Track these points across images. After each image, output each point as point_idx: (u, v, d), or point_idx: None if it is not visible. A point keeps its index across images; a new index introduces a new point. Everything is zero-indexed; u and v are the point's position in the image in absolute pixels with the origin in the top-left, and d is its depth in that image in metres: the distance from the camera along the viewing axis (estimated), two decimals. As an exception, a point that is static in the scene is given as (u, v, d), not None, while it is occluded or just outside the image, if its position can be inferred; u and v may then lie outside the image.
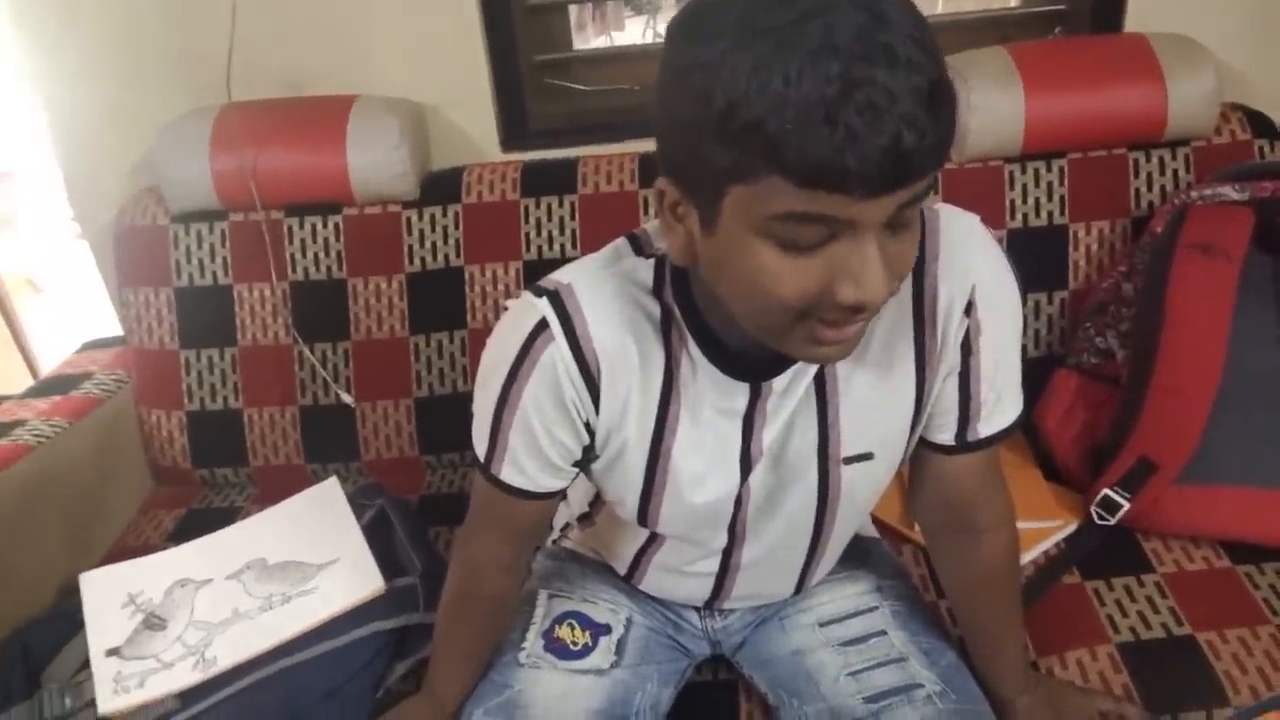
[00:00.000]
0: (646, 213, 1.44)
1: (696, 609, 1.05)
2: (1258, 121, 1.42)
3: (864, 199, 0.59)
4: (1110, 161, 1.41)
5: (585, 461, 0.86)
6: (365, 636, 1.09)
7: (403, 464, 1.50)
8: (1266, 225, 1.25)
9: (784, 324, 0.67)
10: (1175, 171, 1.41)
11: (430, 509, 1.40)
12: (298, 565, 1.18)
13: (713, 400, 0.81)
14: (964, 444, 0.88)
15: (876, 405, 0.84)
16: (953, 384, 0.85)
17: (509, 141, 1.58)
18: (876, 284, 0.63)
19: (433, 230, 1.47)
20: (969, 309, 0.81)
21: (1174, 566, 1.16)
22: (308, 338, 1.47)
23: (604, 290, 0.79)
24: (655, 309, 0.80)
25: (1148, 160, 1.41)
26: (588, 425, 0.82)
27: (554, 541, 1.14)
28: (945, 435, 0.88)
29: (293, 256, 1.47)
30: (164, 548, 1.30)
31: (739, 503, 0.88)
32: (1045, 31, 1.60)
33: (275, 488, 1.38)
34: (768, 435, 0.83)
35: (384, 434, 1.49)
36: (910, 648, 0.98)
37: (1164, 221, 1.32)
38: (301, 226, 1.47)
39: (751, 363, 0.79)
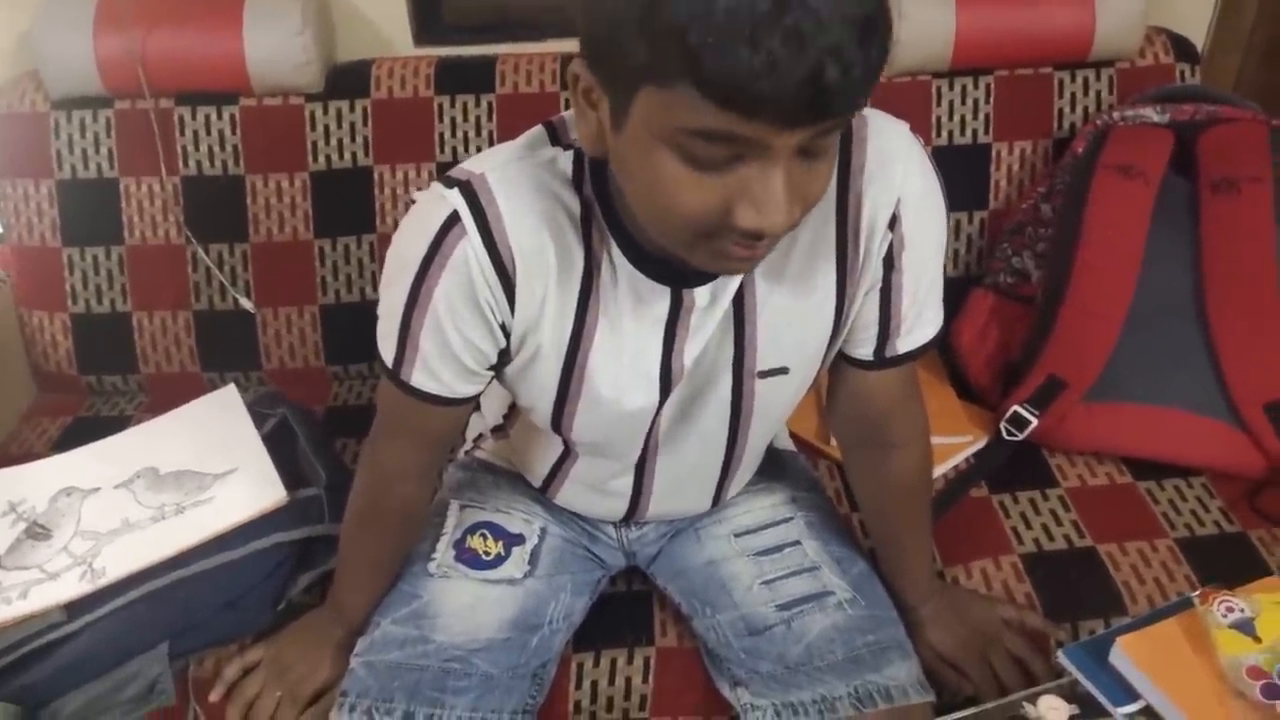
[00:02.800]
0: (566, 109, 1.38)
1: (613, 522, 1.03)
2: (1181, 45, 1.43)
3: (778, 128, 0.56)
4: (1036, 80, 1.41)
5: (499, 365, 0.82)
6: (266, 548, 1.05)
7: (307, 374, 1.43)
8: (1184, 148, 1.27)
9: (685, 238, 0.65)
10: (1099, 93, 1.41)
11: (336, 422, 1.34)
12: (193, 475, 1.12)
13: (633, 306, 0.78)
14: (882, 360, 0.87)
15: (794, 320, 0.81)
16: (873, 299, 0.83)
17: (422, 35, 1.49)
18: (778, 213, 0.60)
19: (339, 126, 1.38)
20: (894, 223, 0.78)
21: (1078, 481, 1.19)
22: (202, 238, 1.38)
23: (520, 182, 0.74)
24: (575, 204, 0.75)
25: (1072, 80, 1.41)
26: (503, 327, 0.77)
27: (466, 452, 1.11)
28: (864, 350, 0.87)
29: (185, 149, 1.37)
30: (48, 456, 1.22)
31: (655, 415, 0.85)
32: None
33: (168, 397, 1.31)
34: (690, 351, 0.80)
35: (287, 342, 1.42)
36: (823, 557, 0.98)
37: (1085, 142, 1.32)
38: (194, 117, 1.37)
39: (674, 269, 0.76)
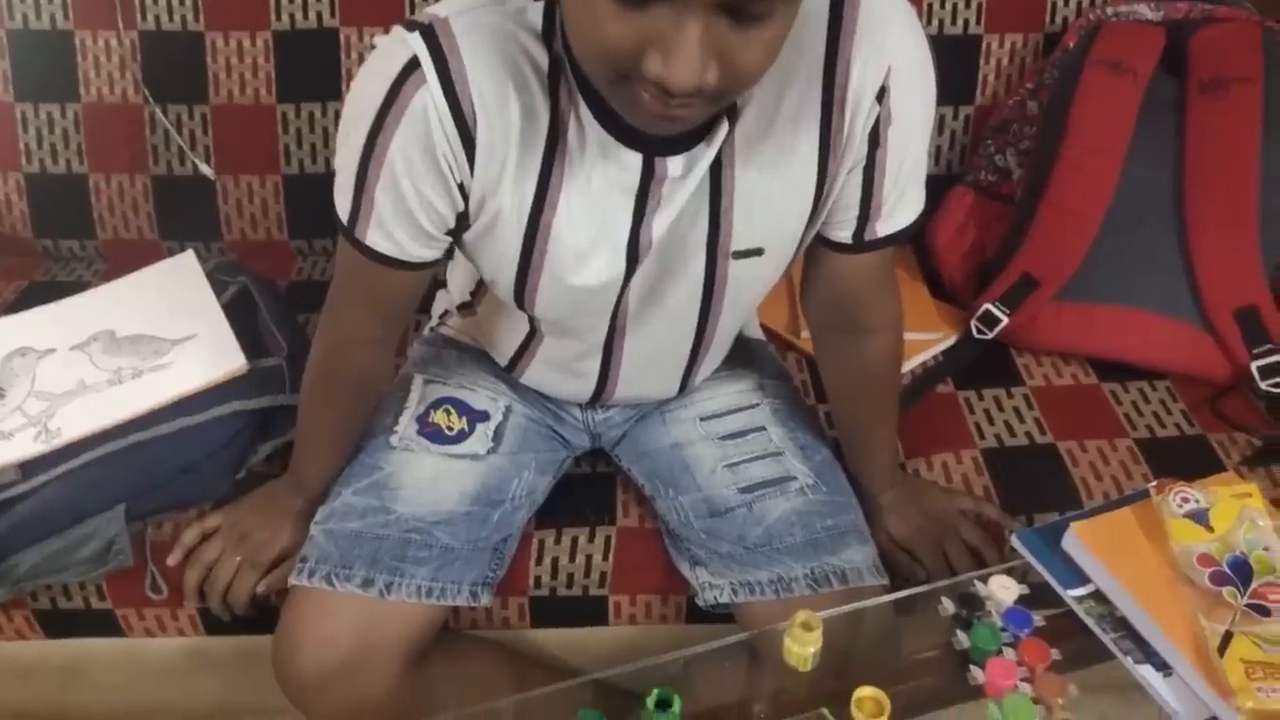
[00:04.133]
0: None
1: (579, 403, 1.03)
2: (1181, -60, 1.38)
3: None
4: (1032, -30, 1.36)
5: (457, 231, 0.79)
6: (225, 415, 1.03)
7: (270, 247, 1.39)
8: (1175, 47, 1.24)
9: (605, 77, 0.62)
10: (1093, -14, 1.36)
11: (299, 297, 1.30)
12: (150, 339, 1.10)
13: (602, 170, 0.75)
14: (861, 243, 0.85)
15: (773, 198, 0.79)
16: (855, 178, 0.80)
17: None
18: (686, 69, 0.57)
19: (304, -17, 1.32)
20: (882, 95, 0.75)
21: (1043, 380, 1.20)
22: (160, 97, 1.32)
23: (486, 29, 0.70)
24: (543, 58, 0.71)
25: (1069, -28, 1.36)
26: (461, 186, 0.74)
27: (431, 328, 1.09)
28: (843, 233, 0.84)
29: (142, 2, 1.30)
30: (2, 317, 1.19)
31: (621, 290, 0.83)
32: None
33: (126, 263, 1.27)
34: (659, 223, 0.77)
35: (249, 212, 1.38)
36: (787, 443, 0.98)
37: (1077, 37, 1.29)
38: (153, -33, 1.30)
39: (646, 134, 0.71)
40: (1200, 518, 0.78)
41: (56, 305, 1.16)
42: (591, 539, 1.02)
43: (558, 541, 1.02)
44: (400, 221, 0.76)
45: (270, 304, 1.18)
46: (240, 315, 1.15)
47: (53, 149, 1.34)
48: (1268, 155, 1.14)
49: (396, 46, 0.69)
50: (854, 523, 0.95)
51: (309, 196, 1.37)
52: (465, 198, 0.75)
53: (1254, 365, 1.14)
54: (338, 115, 1.32)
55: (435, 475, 0.94)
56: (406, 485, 0.94)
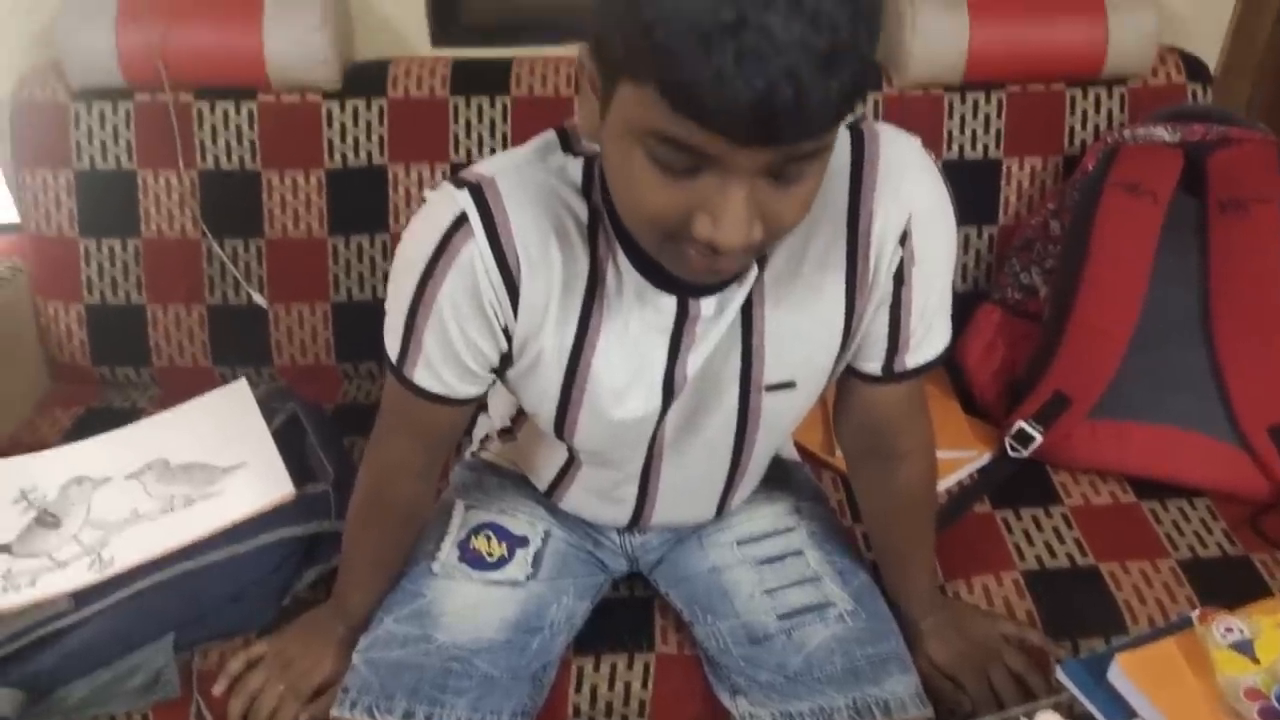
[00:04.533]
0: (581, 119, 1.39)
1: (617, 528, 1.04)
2: (1193, 65, 1.43)
3: (733, 144, 0.56)
4: (1048, 97, 1.41)
5: (501, 368, 0.83)
6: (272, 543, 1.06)
7: (318, 371, 1.45)
8: (1194, 168, 1.27)
9: (651, 236, 0.65)
10: (1110, 110, 1.41)
11: (346, 419, 1.35)
12: (202, 467, 1.13)
13: (639, 313, 0.79)
14: (890, 374, 0.87)
15: (803, 334, 0.82)
16: (883, 314, 0.83)
17: (439, 36, 1.50)
18: (735, 230, 0.60)
19: (355, 124, 1.39)
20: (904, 239, 0.79)
21: (1081, 499, 1.19)
22: (217, 232, 1.40)
23: (529, 186, 0.75)
24: (583, 210, 0.76)
25: (1084, 97, 1.41)
26: (505, 330, 0.78)
27: (473, 453, 1.12)
28: (872, 365, 0.87)
29: (202, 143, 1.38)
30: (60, 445, 1.23)
31: (657, 423, 0.86)
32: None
33: (179, 390, 1.32)
34: (694, 360, 0.81)
35: (299, 339, 1.43)
36: (825, 568, 0.99)
37: (1095, 159, 1.33)
38: (213, 111, 1.38)
39: (680, 278, 0.74)
40: (1245, 648, 0.77)
41: (113, 434, 1.20)
42: (630, 666, 1.02)
43: (596, 669, 1.02)
44: (447, 362, 0.79)
45: (318, 430, 1.21)
46: (289, 441, 1.19)
47: (113, 281, 1.41)
48: (1292, 273, 1.16)
49: (446, 202, 0.74)
50: (895, 650, 0.94)
51: (356, 322, 1.43)
52: (509, 340, 0.79)
53: (1293, 483, 1.13)
54: (385, 246, 1.40)
55: (476, 603, 0.96)
56: (448, 613, 0.95)
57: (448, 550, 0.99)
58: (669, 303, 0.78)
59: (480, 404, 1.08)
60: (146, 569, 1.02)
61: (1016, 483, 1.21)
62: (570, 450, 0.93)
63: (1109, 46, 1.35)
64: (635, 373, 0.81)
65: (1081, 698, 0.80)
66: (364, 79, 1.41)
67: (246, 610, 1.03)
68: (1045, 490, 1.21)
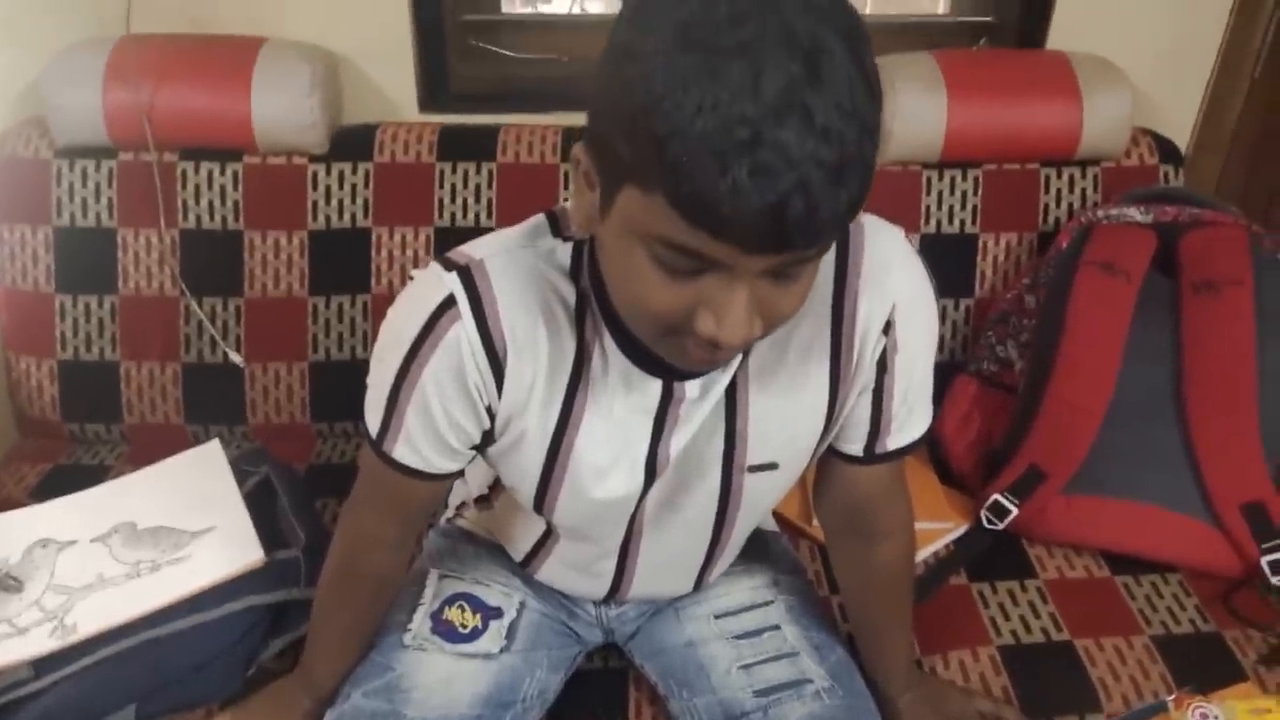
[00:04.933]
0: (567, 187, 1.40)
1: (593, 600, 1.03)
2: (1165, 147, 1.47)
3: (743, 252, 0.57)
4: (1023, 176, 1.44)
5: (482, 445, 0.83)
6: (239, 610, 1.04)
7: (292, 430, 1.43)
8: (1166, 249, 1.29)
9: (651, 332, 0.67)
10: (1084, 190, 1.44)
11: (318, 479, 1.34)
12: (170, 531, 1.12)
13: (624, 396, 0.79)
14: (872, 456, 0.88)
15: (786, 418, 0.83)
16: (866, 399, 0.84)
17: (427, 102, 1.52)
18: (736, 327, 0.61)
19: (340, 187, 1.40)
20: (887, 328, 0.80)
21: (1056, 573, 1.20)
22: (196, 290, 1.39)
23: (518, 270, 0.75)
24: (570, 294, 0.77)
25: (1059, 177, 1.44)
26: (489, 409, 0.78)
27: (449, 520, 1.10)
28: (854, 447, 0.88)
29: (185, 203, 1.38)
30: (26, 504, 1.21)
31: (639, 502, 0.86)
32: (971, 41, 1.62)
33: (150, 448, 1.30)
34: (676, 441, 0.81)
35: (274, 397, 1.42)
36: (802, 643, 0.98)
37: (1070, 237, 1.35)
38: (197, 171, 1.38)
39: (666, 361, 0.75)
40: (1221, 735, 0.77)
41: (80, 495, 1.18)
42: (604, 742, 1.01)
43: (570, 743, 1.00)
44: (428, 440, 0.79)
45: (291, 494, 1.20)
46: (261, 505, 1.17)
47: (87, 337, 1.40)
48: (1263, 354, 1.18)
49: (435, 284, 0.75)
50: (873, 728, 0.94)
51: (333, 382, 1.42)
52: (492, 418, 0.79)
53: (1264, 560, 1.14)
54: (366, 306, 1.40)
55: (448, 676, 0.94)
56: (419, 686, 0.93)
57: (420, 621, 0.97)
58: (654, 386, 0.78)
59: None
60: (110, 636, 1.00)
61: (992, 555, 1.22)
62: (549, 524, 0.92)
63: (1084, 128, 1.39)
64: (618, 453, 0.81)
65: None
66: (351, 143, 1.42)
67: (210, 680, 1.01)
68: (1021, 564, 1.22)
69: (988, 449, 1.32)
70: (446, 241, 1.40)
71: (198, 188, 1.38)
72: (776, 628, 0.99)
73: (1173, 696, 0.81)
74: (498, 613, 0.99)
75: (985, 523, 1.24)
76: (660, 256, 0.60)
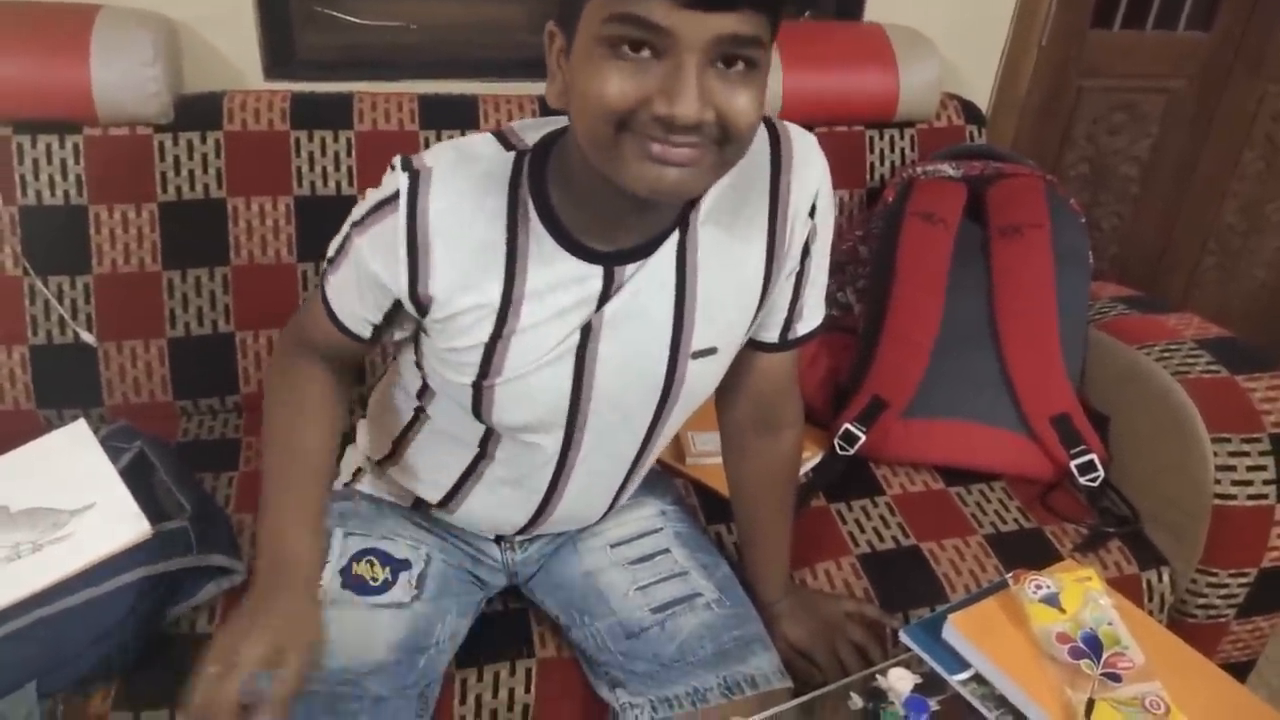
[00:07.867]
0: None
1: (497, 541, 1.08)
2: (969, 109, 1.65)
3: (677, 6, 0.66)
4: (850, 137, 1.58)
5: (420, 320, 0.87)
6: (132, 582, 1.02)
7: (153, 409, 1.39)
8: (976, 198, 1.46)
9: (610, 136, 0.71)
10: (903, 149, 1.60)
11: (190, 456, 1.31)
12: (47, 511, 1.08)
13: (564, 284, 0.84)
14: (785, 342, 0.97)
15: (728, 300, 0.90)
16: (788, 285, 0.94)
17: (273, 69, 1.50)
18: (689, 103, 0.68)
19: (190, 158, 1.37)
20: (812, 212, 0.90)
21: (900, 489, 1.34)
22: (41, 269, 1.33)
23: (462, 176, 0.81)
24: (511, 197, 0.82)
25: (881, 138, 1.59)
26: (413, 289, 0.83)
27: (345, 484, 1.11)
28: (771, 334, 0.97)
29: (23, 178, 1.31)
30: None
31: (578, 391, 0.89)
32: (797, 14, 1.74)
33: (0, 437, 1.24)
34: (618, 326, 0.86)
35: (131, 376, 1.38)
36: (691, 563, 1.07)
37: (894, 192, 1.50)
38: (34, 145, 1.32)
39: (603, 251, 0.83)
40: (1053, 601, 0.91)
41: (-61, 484, 1.12)
42: (513, 672, 1.06)
43: (480, 678, 1.05)
44: (346, 294, 0.89)
45: (169, 466, 1.18)
46: (138, 479, 1.14)
47: (-82, 323, 1.31)
48: (1061, 286, 1.36)
49: (392, 178, 0.82)
50: (757, 632, 1.03)
51: (195, 358, 1.39)
52: (416, 301, 0.84)
53: (1072, 464, 1.32)
54: (225, 279, 1.38)
55: (364, 626, 0.96)
56: (335, 639, 0.94)
57: (330, 578, 0.99)
58: (594, 271, 0.84)
59: (347, 436, 1.09)
60: (-2, 619, 0.97)
61: (846, 478, 1.35)
62: (485, 439, 0.95)
63: (900, 95, 1.54)
64: (559, 340, 0.86)
65: (924, 655, 0.92)
66: (196, 111, 1.38)
67: (108, 652, 0.99)
68: (870, 483, 1.35)
69: (836, 384, 1.46)
70: (309, 211, 1.39)
71: (36, 162, 1.32)
72: (667, 551, 1.08)
73: (1012, 575, 0.94)
74: (406, 565, 1.03)
75: (838, 450, 1.37)
76: (611, 38, 0.68)
